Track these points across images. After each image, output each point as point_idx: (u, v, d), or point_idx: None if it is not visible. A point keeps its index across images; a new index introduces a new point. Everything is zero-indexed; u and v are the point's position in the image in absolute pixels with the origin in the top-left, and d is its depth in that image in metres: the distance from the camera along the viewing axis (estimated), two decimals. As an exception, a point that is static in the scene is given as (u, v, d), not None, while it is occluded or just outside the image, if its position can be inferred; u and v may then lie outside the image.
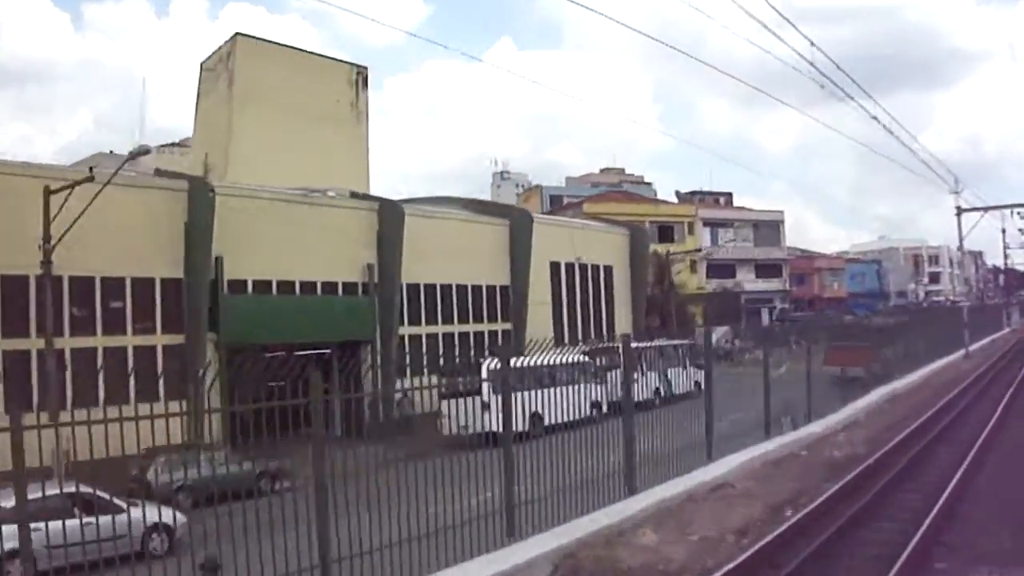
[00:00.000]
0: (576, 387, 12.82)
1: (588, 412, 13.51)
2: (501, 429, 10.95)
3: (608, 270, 46.22)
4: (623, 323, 45.41)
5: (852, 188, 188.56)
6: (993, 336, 57.87)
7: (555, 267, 42.49)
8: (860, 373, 26.54)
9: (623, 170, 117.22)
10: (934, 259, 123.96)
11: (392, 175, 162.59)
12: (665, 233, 76.50)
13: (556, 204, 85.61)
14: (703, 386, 16.42)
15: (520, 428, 11.18)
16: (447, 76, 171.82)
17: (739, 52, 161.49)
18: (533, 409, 11.82)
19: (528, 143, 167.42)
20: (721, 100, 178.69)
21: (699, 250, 60.78)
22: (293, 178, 35.42)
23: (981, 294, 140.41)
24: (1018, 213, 41.02)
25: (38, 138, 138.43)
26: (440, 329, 36.30)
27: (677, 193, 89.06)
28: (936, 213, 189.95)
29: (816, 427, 20.29)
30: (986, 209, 41.57)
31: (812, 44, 19.93)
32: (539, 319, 39.38)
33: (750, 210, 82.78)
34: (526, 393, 11.68)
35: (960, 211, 41.49)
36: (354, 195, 35.41)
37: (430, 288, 36.27)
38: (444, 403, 14.52)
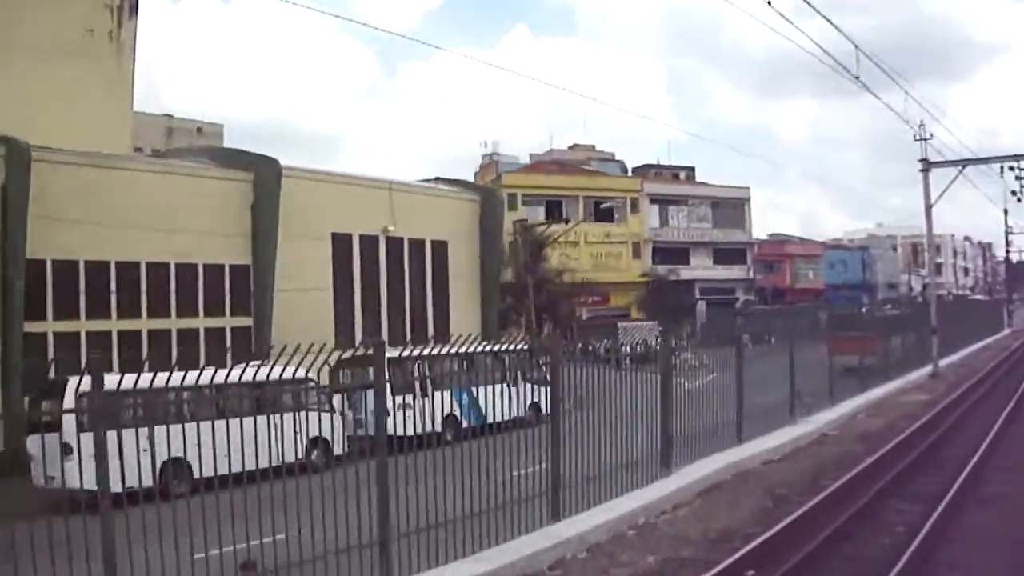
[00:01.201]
0: (276, 418, 7.88)
1: (302, 455, 8.72)
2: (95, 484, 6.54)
3: (440, 247, 32.88)
4: (465, 318, 32.18)
5: (867, 179, 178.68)
6: (985, 341, 44.00)
7: (343, 241, 29.29)
8: (872, 362, 24.94)
9: (593, 147, 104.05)
10: (936, 249, 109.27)
11: (410, 159, 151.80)
12: (604, 211, 63.08)
13: (511, 181, 72.68)
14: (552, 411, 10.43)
15: (140, 483, 7.39)
16: (464, 63, 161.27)
17: (754, 41, 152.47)
18: (171, 454, 7.73)
19: (544, 132, 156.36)
20: (737, 90, 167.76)
21: (566, 220, 46.10)
22: (16, 129, 22.61)
23: (989, 288, 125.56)
24: (1010, 167, 27.26)
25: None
26: (115, 325, 23.29)
27: (622, 165, 75.23)
28: (953, 207, 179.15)
29: None
30: (963, 164, 27.76)
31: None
32: (307, 313, 26.28)
33: (709, 185, 68.88)
34: (159, 429, 7.31)
35: (928, 166, 27.83)
36: (4, 141, 22.19)
37: (97, 267, 23.20)
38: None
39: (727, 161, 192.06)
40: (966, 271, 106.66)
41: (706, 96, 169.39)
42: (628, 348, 15.64)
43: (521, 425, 10.62)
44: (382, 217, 30.93)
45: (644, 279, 56.66)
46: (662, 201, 64.88)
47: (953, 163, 28.09)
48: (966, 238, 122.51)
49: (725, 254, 65.77)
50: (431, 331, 31.51)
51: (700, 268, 64.83)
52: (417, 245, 32.36)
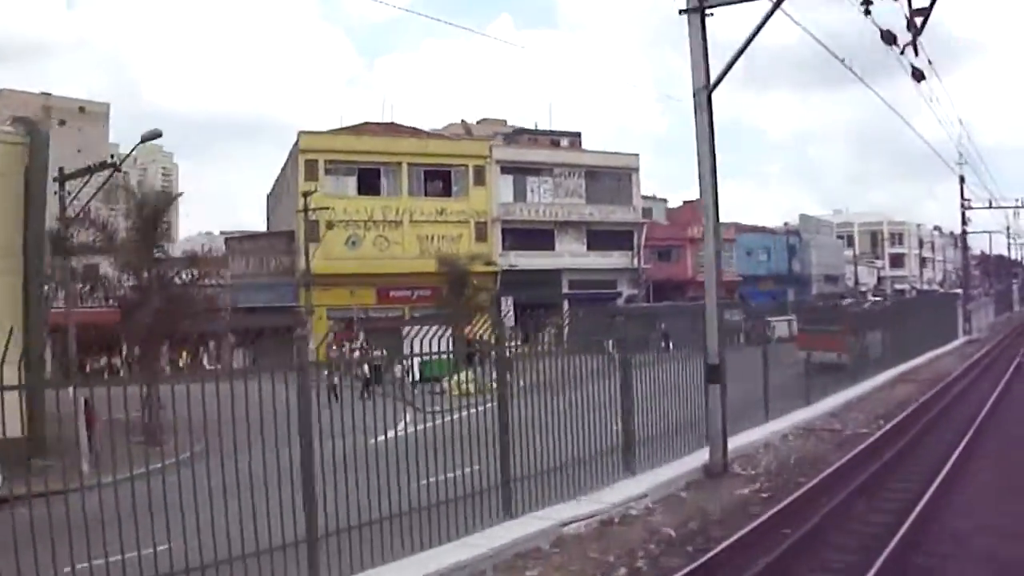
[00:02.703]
0: None
1: None
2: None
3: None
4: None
5: (850, 175, 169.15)
6: (917, 360, 27.57)
7: None
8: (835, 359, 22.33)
9: (505, 121, 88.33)
10: (897, 238, 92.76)
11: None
12: (440, 181, 46.97)
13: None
14: None
15: None
16: (444, 56, 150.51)
17: (738, 32, 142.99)
18: None
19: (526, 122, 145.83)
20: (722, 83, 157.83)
21: (114, 166, 27.44)
22: None
23: (962, 283, 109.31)
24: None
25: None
26: None
27: (463, 127, 59.19)
28: (936, 203, 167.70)
29: None
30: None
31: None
32: None
33: (583, 151, 52.58)
34: None
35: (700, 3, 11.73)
36: None
37: None
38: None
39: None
40: (923, 261, 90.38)
41: (687, 91, 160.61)
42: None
43: None
44: None
45: (437, 272, 40.17)
46: (518, 170, 48.50)
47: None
48: (936, 228, 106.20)
49: (603, 238, 49.36)
50: None
51: (567, 255, 48.51)
52: None
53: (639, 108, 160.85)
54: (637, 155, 51.24)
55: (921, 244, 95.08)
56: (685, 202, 66.80)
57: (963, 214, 45.10)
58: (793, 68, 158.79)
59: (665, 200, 73.51)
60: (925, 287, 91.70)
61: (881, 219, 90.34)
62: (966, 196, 44.24)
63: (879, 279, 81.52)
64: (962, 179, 43.53)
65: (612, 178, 50.40)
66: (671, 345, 14.92)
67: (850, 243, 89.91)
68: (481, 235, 47.07)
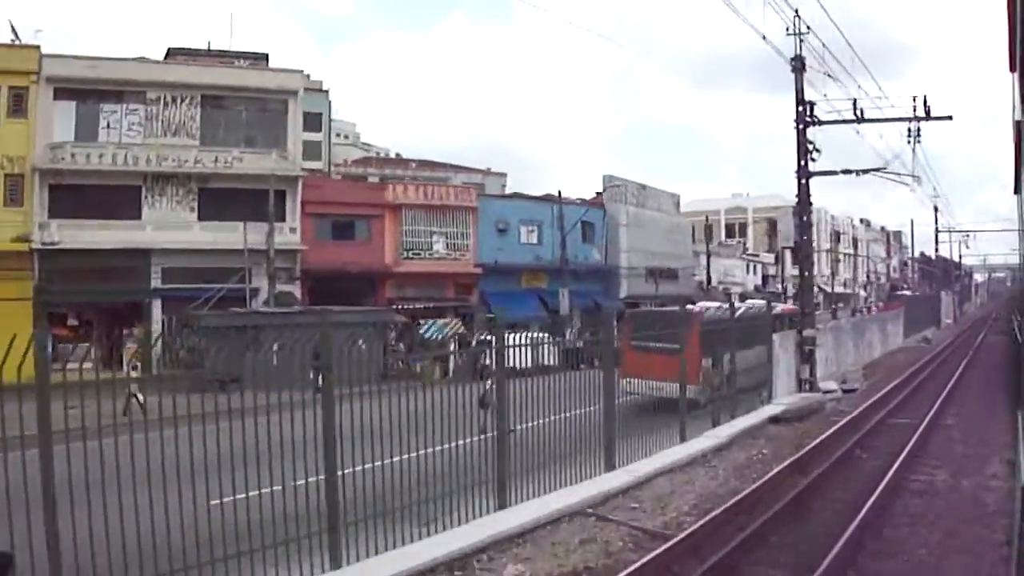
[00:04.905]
0: None
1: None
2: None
3: None
4: None
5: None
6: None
7: None
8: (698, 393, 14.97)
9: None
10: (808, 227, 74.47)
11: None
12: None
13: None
14: None
15: None
16: (398, 48, 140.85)
17: (692, 36, 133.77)
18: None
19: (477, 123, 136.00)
20: (673, 84, 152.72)
21: None
22: None
23: (892, 287, 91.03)
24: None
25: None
26: None
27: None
28: (887, 208, 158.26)
29: None
30: None
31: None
32: None
33: (206, 68, 34.57)
34: None
35: None
36: None
37: None
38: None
39: (662, 158, 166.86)
40: (834, 257, 71.42)
41: (642, 90, 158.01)
42: None
43: None
44: None
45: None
46: (86, 94, 30.71)
47: None
48: (862, 220, 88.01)
49: (228, 201, 31.47)
50: None
51: (151, 227, 30.65)
52: None
53: (592, 108, 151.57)
54: (300, 72, 33.41)
55: (838, 238, 76.89)
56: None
57: (800, 130, 25.60)
58: (747, 71, 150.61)
59: (504, 174, 56.14)
60: (840, 290, 73.65)
61: (780, 203, 72.11)
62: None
63: (764, 279, 63.34)
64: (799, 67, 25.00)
65: (251, 108, 32.62)
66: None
67: (742, 232, 72.13)
68: (15, 195, 29.42)
